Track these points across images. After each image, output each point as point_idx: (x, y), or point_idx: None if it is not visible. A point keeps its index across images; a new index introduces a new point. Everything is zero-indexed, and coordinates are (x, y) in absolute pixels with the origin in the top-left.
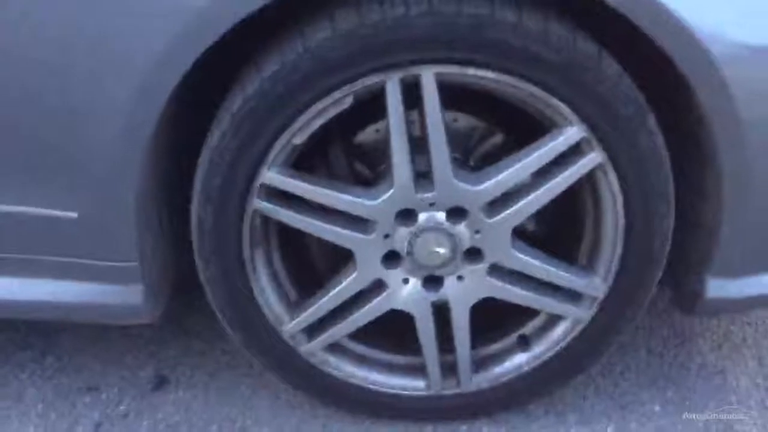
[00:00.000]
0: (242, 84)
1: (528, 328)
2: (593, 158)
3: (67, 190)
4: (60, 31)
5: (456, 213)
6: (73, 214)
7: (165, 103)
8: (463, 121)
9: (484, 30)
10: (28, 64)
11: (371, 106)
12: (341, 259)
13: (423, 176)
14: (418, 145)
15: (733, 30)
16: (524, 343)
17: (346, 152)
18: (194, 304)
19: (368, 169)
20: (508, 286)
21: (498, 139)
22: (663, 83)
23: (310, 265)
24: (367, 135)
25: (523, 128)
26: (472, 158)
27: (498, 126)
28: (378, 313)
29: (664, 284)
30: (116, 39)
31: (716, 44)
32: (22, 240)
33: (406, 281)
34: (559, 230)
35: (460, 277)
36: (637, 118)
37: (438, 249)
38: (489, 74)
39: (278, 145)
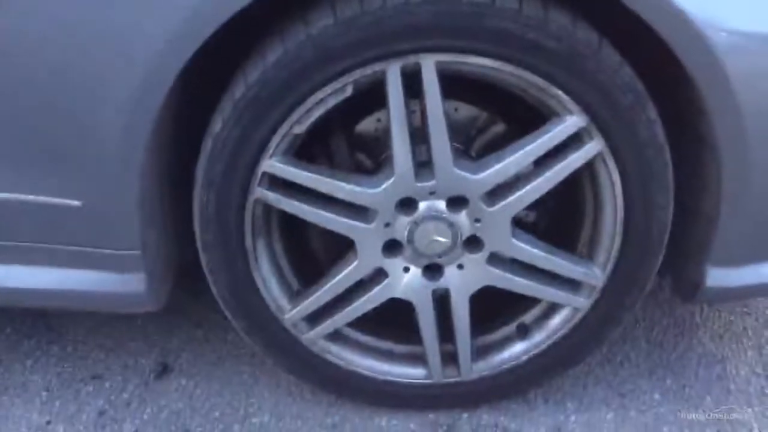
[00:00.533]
0: (245, 71)
1: (527, 317)
2: (593, 147)
3: (72, 179)
4: (64, 22)
5: (456, 202)
6: (77, 203)
7: (166, 95)
8: (464, 110)
9: (485, 18)
10: (32, 55)
11: (372, 96)
12: (342, 248)
13: (423, 165)
14: (419, 135)
15: (733, 18)
16: (524, 331)
17: (347, 142)
18: (197, 292)
19: (369, 158)
20: (508, 275)
21: (499, 128)
22: (664, 73)
23: (312, 254)
24: (367, 125)
25: (523, 118)
26: (473, 148)
27: (499, 115)
28: (379, 302)
29: (665, 273)
30: (117, 33)
31: (716, 33)
32: (27, 228)
33: (406, 270)
34: (559, 220)
35: (460, 266)
36: (637, 107)
37: (438, 238)
38: (489, 63)
39: (280, 134)
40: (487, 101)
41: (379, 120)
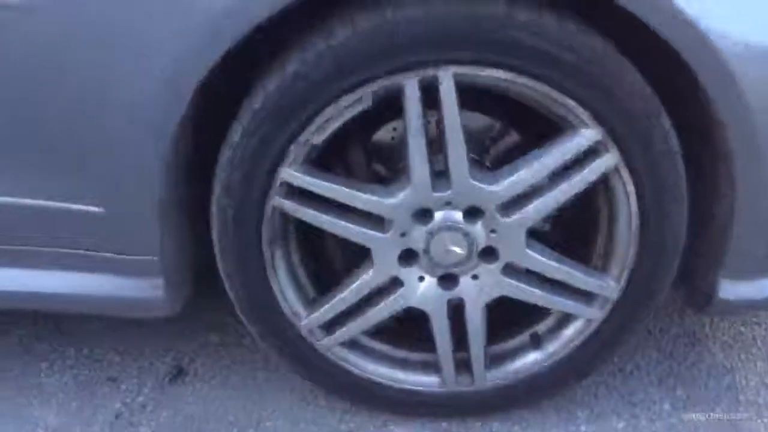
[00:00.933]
0: (264, 81)
1: (541, 327)
2: (608, 159)
3: (93, 185)
4: (88, 29)
5: (472, 212)
6: (98, 209)
7: (188, 103)
8: (479, 120)
9: (502, 30)
10: (56, 61)
11: (388, 105)
12: (358, 256)
13: (440, 175)
14: (435, 144)
15: (747, 30)
16: (537, 341)
17: (364, 150)
18: (213, 296)
19: (384, 166)
20: (522, 286)
21: (513, 138)
22: (677, 83)
23: (328, 262)
24: (384, 133)
25: (537, 128)
26: (487, 158)
27: (513, 125)
28: (394, 311)
29: (677, 283)
30: (142, 36)
31: (730, 45)
32: (47, 233)
33: (421, 279)
34: (574, 230)
35: (475, 276)
36: (652, 118)
37: (454, 248)
38: (506, 75)
39: (298, 144)
40: (500, 110)
41: (395, 129)
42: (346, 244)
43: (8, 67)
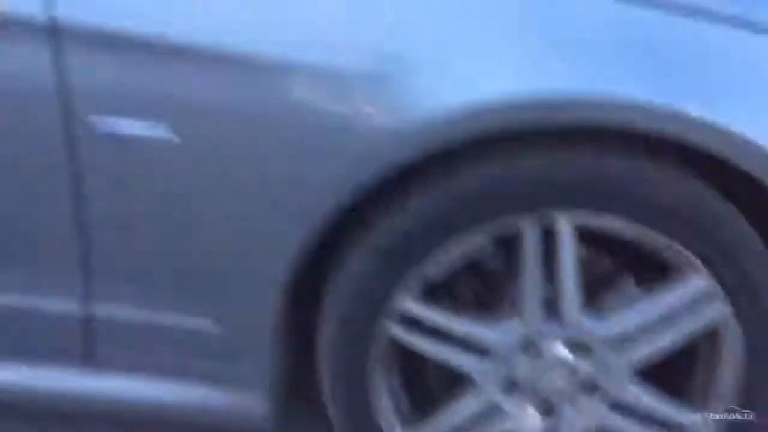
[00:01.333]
0: (384, 216)
1: None
2: (718, 307)
3: (207, 301)
4: (225, 163)
5: (577, 347)
6: (210, 325)
7: (308, 235)
8: (590, 257)
9: (623, 183)
10: (180, 181)
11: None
12: (460, 380)
13: (548, 308)
14: (545, 277)
15: None
16: None
17: (470, 277)
18: (305, 408)
19: (487, 291)
20: (622, 421)
21: (624, 277)
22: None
23: (428, 384)
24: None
25: (650, 269)
26: (595, 295)
27: (625, 264)
28: None
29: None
30: (274, 172)
31: None
32: (150, 344)
33: (523, 409)
34: (672, 366)
35: (575, 408)
36: (761, 268)
37: (557, 380)
38: (622, 223)
39: (416, 278)
40: (611, 249)
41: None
42: (446, 368)
43: (149, 192)
